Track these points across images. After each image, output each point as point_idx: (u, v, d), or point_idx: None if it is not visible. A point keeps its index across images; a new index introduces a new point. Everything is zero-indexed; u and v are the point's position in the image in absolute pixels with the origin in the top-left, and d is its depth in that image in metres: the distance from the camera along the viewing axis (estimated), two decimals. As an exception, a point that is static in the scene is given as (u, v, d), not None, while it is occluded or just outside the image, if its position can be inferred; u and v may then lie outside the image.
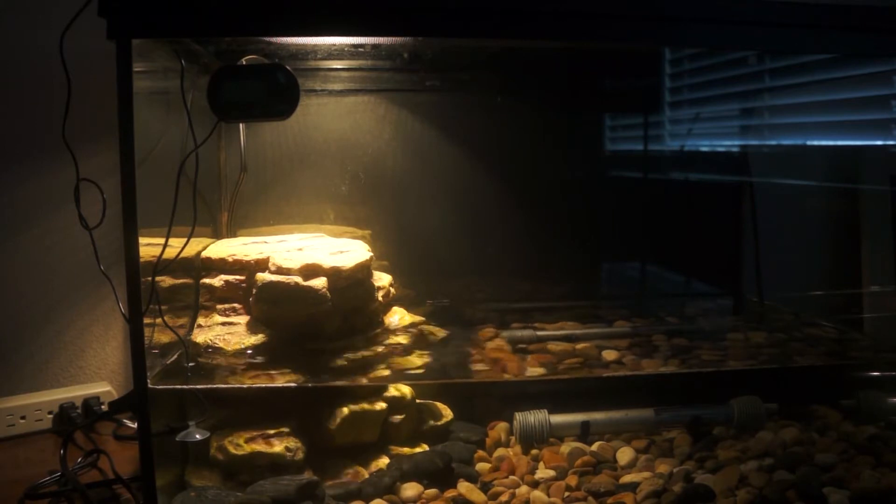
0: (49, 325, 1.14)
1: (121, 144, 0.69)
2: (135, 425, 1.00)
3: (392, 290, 1.03)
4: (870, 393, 1.00)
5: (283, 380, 0.85)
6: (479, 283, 1.28)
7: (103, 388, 1.14)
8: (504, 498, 0.83)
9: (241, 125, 1.12)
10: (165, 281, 0.90)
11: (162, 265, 0.77)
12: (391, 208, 1.22)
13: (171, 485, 0.84)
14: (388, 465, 0.88)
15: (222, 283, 0.95)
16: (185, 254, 0.83)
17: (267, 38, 0.84)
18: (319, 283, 0.89)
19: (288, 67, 0.77)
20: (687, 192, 1.37)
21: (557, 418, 0.95)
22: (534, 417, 0.95)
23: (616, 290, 1.39)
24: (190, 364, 0.87)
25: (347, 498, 0.82)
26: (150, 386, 0.73)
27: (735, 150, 1.42)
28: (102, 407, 1.11)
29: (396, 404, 0.93)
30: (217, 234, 1.13)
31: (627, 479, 0.85)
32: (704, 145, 1.42)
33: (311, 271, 0.90)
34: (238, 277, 0.95)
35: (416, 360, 0.92)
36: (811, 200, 1.29)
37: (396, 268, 1.09)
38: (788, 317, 1.22)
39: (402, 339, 0.97)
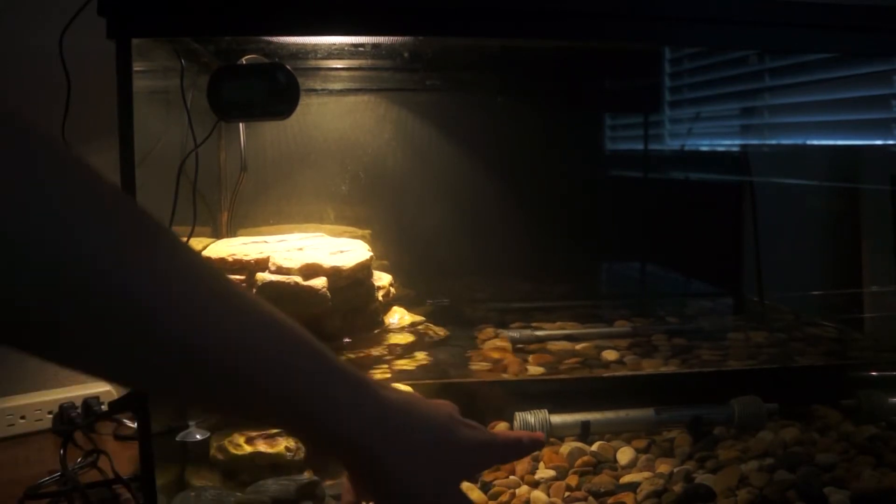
0: (49, 324, 1.14)
1: (121, 144, 0.69)
2: (135, 425, 1.00)
3: (392, 289, 1.03)
4: (870, 393, 1.00)
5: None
6: (479, 283, 1.28)
7: (103, 388, 1.14)
8: (504, 498, 0.83)
9: (241, 125, 1.12)
10: (165, 281, 0.89)
11: (162, 265, 0.77)
12: (391, 208, 1.22)
13: (171, 485, 0.84)
14: (389, 465, 0.88)
15: (222, 282, 0.95)
16: (185, 254, 0.83)
17: (267, 38, 0.84)
18: (319, 282, 0.89)
19: (288, 67, 0.77)
20: (687, 191, 1.37)
21: (557, 418, 0.95)
22: (534, 417, 0.95)
23: (616, 290, 1.39)
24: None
25: (347, 498, 0.82)
26: (150, 386, 0.72)
27: (735, 149, 1.42)
28: (102, 407, 1.11)
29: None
30: (217, 234, 1.13)
31: (628, 478, 0.85)
32: (704, 145, 1.42)
33: (311, 271, 0.90)
34: (238, 277, 0.95)
35: (416, 360, 0.92)
36: (811, 200, 1.29)
37: (396, 268, 1.09)
38: (789, 316, 1.22)
39: (402, 339, 0.97)
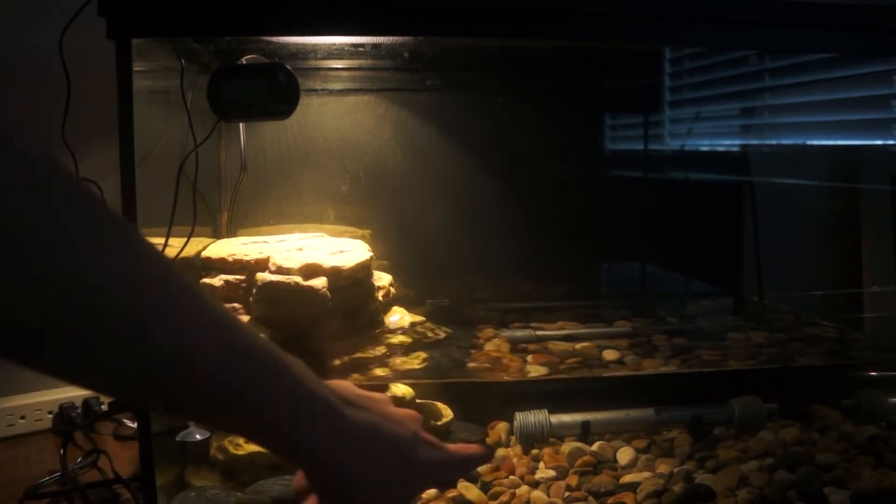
0: (49, 324, 1.14)
1: (121, 144, 0.69)
2: (135, 425, 1.00)
3: (392, 290, 1.03)
4: (870, 393, 1.00)
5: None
6: (479, 283, 1.28)
7: (103, 388, 1.14)
8: (504, 498, 0.83)
9: (241, 125, 1.12)
10: (165, 281, 0.89)
11: (162, 265, 0.77)
12: (391, 208, 1.22)
13: (171, 485, 0.84)
14: (389, 465, 0.88)
15: (222, 283, 0.95)
16: (185, 254, 0.83)
17: (267, 38, 0.84)
18: (319, 282, 0.89)
19: (288, 67, 0.77)
20: (687, 191, 1.37)
21: (557, 418, 0.95)
22: (534, 417, 0.95)
23: (616, 290, 1.39)
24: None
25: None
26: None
27: (735, 149, 1.42)
28: (102, 407, 1.11)
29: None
30: (217, 234, 1.13)
31: (628, 478, 0.85)
32: (704, 145, 1.42)
33: (311, 271, 0.90)
34: (238, 277, 0.95)
35: (417, 360, 0.92)
36: (811, 200, 1.29)
37: (396, 268, 1.09)
38: (788, 317, 1.22)
39: (402, 339, 0.97)
